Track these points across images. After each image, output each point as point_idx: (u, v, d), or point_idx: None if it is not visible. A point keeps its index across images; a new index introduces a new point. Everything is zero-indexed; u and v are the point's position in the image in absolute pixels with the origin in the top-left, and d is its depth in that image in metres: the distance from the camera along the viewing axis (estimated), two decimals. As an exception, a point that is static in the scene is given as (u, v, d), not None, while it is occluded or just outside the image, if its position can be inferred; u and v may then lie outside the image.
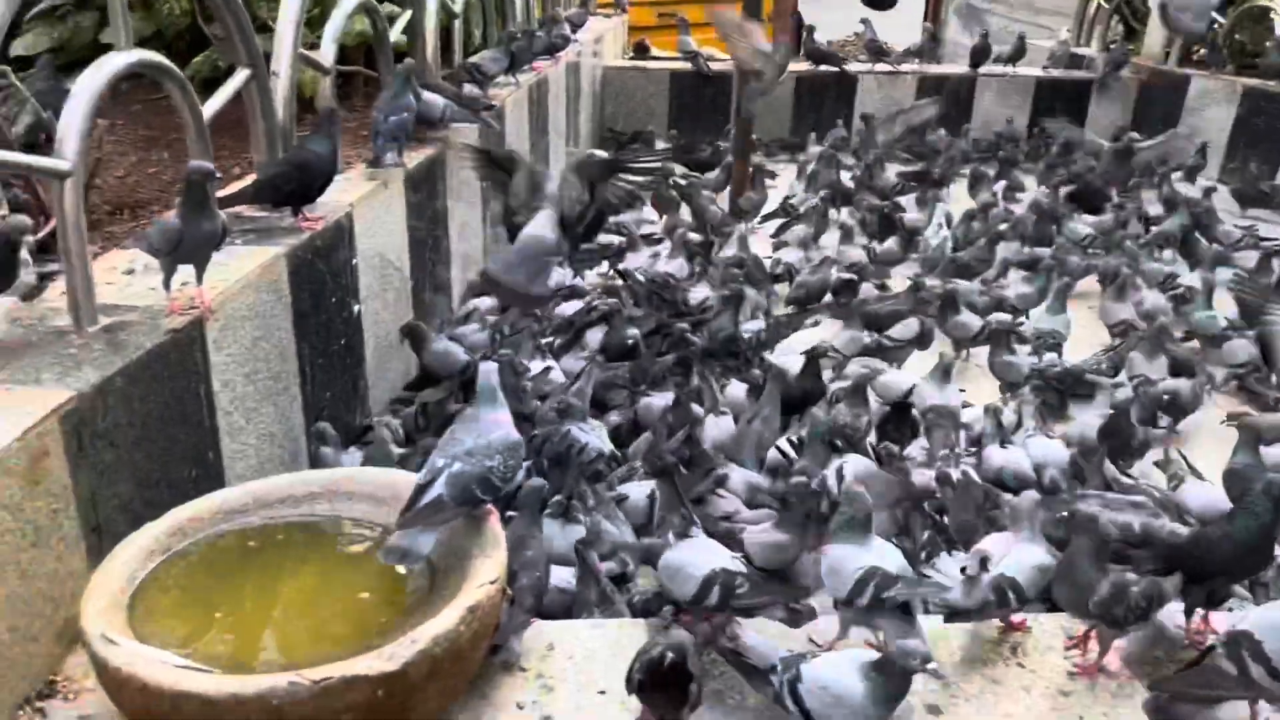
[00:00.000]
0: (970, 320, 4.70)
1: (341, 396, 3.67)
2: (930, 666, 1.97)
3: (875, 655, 2.04)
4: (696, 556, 2.32)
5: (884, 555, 2.27)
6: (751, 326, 4.63)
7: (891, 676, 1.97)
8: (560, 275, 4.90)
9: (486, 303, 4.91)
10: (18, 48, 4.79)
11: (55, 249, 3.08)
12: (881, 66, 9.10)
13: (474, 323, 4.66)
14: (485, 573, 2.00)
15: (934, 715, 2.17)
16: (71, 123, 2.47)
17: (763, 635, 2.31)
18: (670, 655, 1.98)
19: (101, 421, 2.29)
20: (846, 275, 5.19)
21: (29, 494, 2.05)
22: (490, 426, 2.23)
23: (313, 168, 3.28)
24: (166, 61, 2.75)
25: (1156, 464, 3.64)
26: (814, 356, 4.02)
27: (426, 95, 4.33)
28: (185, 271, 2.73)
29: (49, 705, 2.06)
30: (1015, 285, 5.25)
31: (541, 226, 3.13)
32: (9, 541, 1.99)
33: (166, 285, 2.66)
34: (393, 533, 2.08)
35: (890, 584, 2.20)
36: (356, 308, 3.71)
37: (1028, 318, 4.89)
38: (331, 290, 3.51)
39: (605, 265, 5.64)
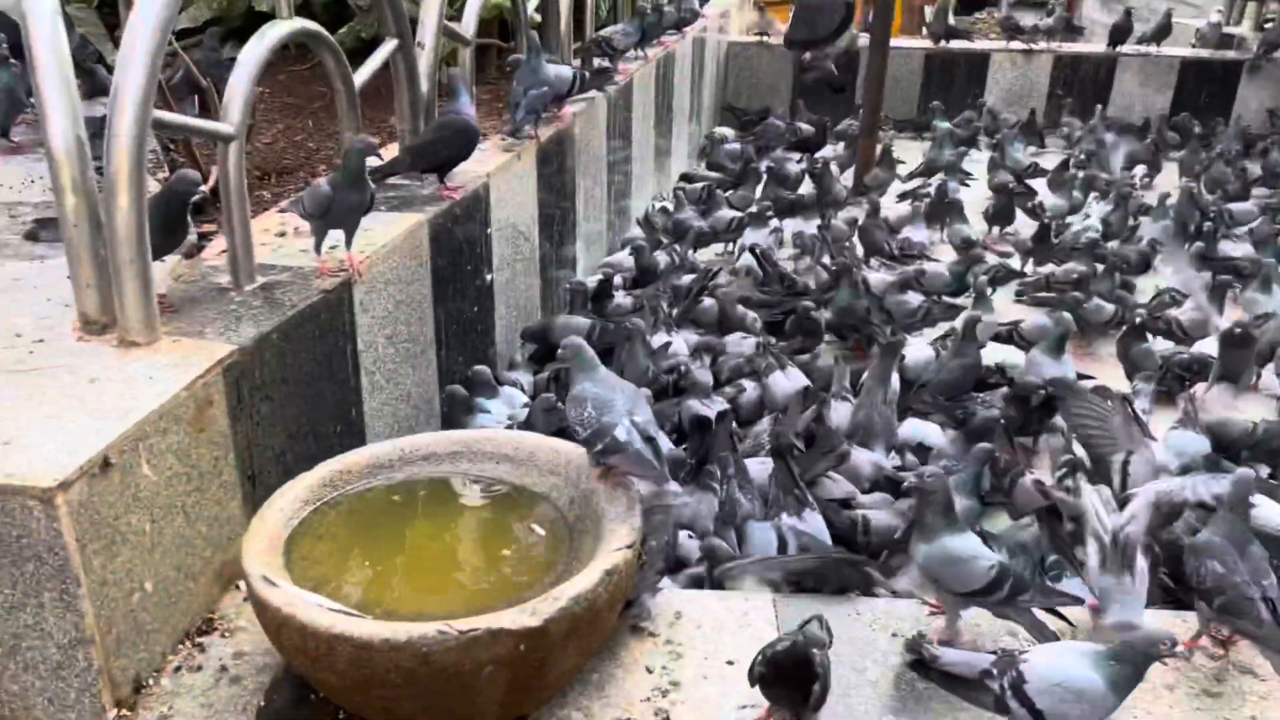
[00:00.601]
0: (1103, 306, 4.59)
1: (471, 363, 3.75)
2: (1178, 650, 1.94)
3: (1099, 646, 1.97)
4: (978, 547, 2.25)
5: (978, 543, 2.27)
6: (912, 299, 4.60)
7: (1134, 664, 1.91)
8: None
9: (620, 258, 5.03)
10: (182, 20, 5.03)
11: (209, 211, 3.25)
12: (1016, 45, 8.81)
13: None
14: (622, 536, 2.03)
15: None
16: (237, 88, 2.58)
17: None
18: (797, 649, 1.93)
19: (259, 375, 2.40)
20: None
21: (195, 441, 2.16)
22: (619, 387, 2.30)
23: (467, 131, 3.36)
24: (324, 31, 2.84)
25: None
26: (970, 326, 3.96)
27: (558, 69, 4.39)
28: (334, 236, 2.84)
29: (208, 641, 2.18)
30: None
31: None
32: (176, 485, 2.11)
33: (317, 248, 2.77)
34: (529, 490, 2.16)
35: (1024, 586, 2.20)
36: (489, 276, 3.79)
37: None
38: (467, 258, 3.59)
39: (726, 245, 5.64)
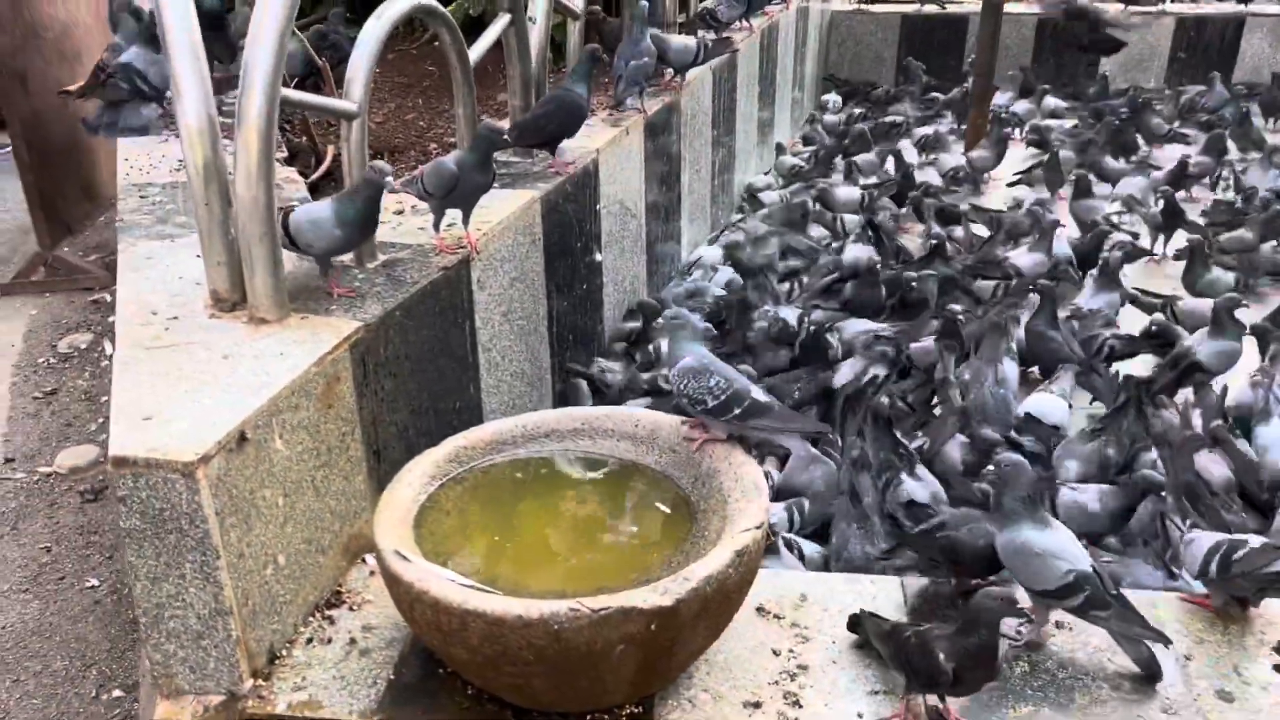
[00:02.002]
0: (1222, 276, 4.44)
1: (582, 340, 3.75)
2: None
3: None
4: (1063, 546, 2.10)
5: (1066, 541, 2.11)
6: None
7: None
8: None
9: (712, 254, 4.93)
10: None
11: (325, 190, 3.30)
12: (1135, 8, 8.40)
13: (698, 270, 4.69)
14: (750, 517, 1.98)
15: (1224, 701, 2.01)
16: (358, 67, 2.59)
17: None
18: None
19: (383, 352, 2.42)
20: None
21: (324, 417, 2.19)
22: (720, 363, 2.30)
23: (574, 108, 3.35)
24: (441, 8, 2.84)
25: None
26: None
27: (682, 41, 4.35)
28: (451, 214, 2.84)
29: (336, 614, 2.22)
30: None
31: None
32: (306, 460, 2.14)
33: (436, 226, 2.78)
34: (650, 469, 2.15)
35: (1102, 600, 2.03)
36: (599, 255, 3.77)
37: None
38: (577, 236, 3.58)
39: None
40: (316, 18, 4.87)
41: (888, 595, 2.31)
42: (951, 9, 8.52)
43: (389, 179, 2.40)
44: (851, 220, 5.40)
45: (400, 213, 3.08)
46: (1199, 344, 3.70)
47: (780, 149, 6.74)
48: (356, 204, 2.42)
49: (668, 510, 2.20)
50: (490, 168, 2.77)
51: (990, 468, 2.24)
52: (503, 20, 3.31)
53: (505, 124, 3.03)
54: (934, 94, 7.77)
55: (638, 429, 2.36)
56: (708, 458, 2.23)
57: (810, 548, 2.91)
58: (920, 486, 3.01)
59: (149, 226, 2.89)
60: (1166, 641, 2.03)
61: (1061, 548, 2.07)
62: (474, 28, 3.61)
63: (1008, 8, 7.71)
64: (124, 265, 2.61)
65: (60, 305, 5.81)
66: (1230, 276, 4.43)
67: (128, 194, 3.13)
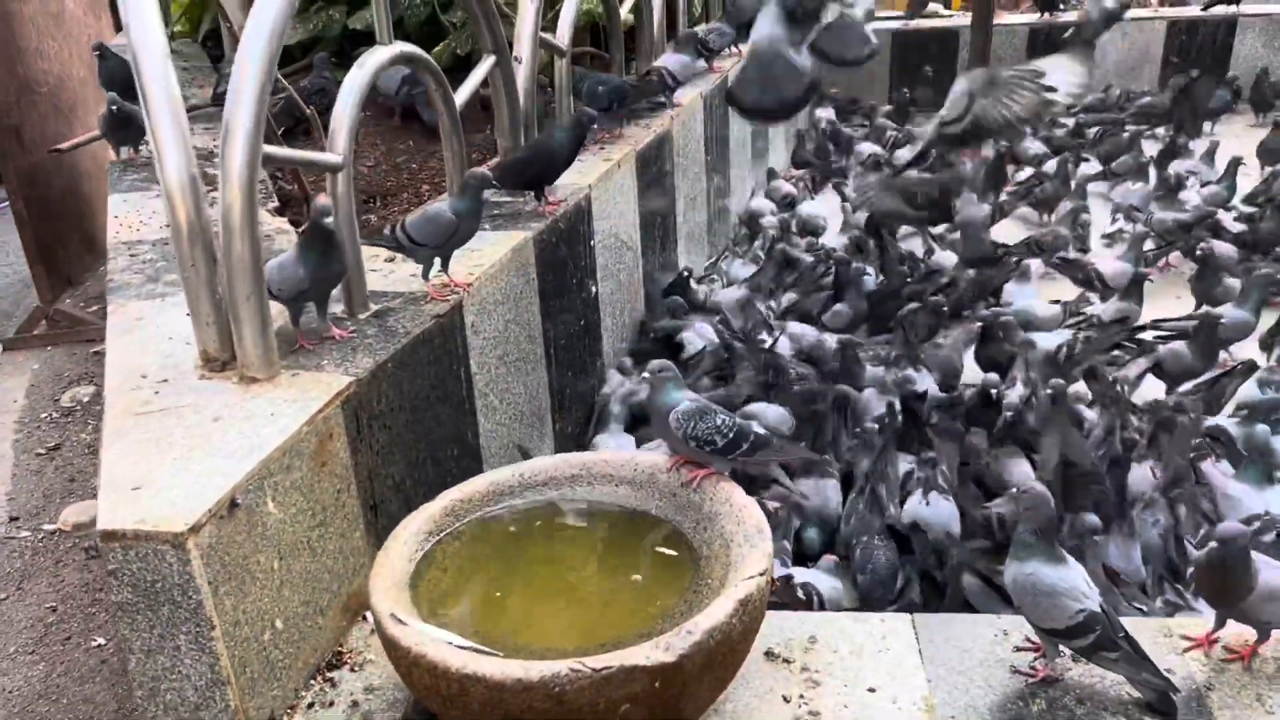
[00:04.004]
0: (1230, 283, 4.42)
1: (581, 374, 3.72)
2: None
3: None
4: (1074, 584, 2.03)
5: (1078, 579, 2.03)
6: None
7: None
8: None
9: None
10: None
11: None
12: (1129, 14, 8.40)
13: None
14: (753, 564, 1.94)
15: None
16: (341, 118, 2.58)
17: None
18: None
19: (377, 405, 2.39)
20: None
21: (318, 475, 2.16)
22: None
23: (552, 155, 3.33)
24: (424, 53, 2.83)
25: None
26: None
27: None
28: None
29: (338, 675, 2.18)
30: None
31: (768, 25, 2.95)
32: (301, 521, 2.10)
33: (426, 275, 2.76)
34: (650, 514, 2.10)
35: (1111, 641, 1.97)
36: (594, 288, 3.75)
37: None
38: (573, 271, 3.55)
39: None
40: (303, 64, 4.88)
41: (898, 634, 2.26)
42: (941, 22, 8.52)
43: (327, 219, 2.40)
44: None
45: (393, 259, 3.05)
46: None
47: (772, 174, 6.72)
48: (315, 249, 2.41)
49: (671, 554, 2.16)
50: (481, 212, 2.76)
51: (1010, 494, 2.17)
52: (488, 61, 3.30)
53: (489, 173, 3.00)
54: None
55: (637, 473, 2.32)
56: (709, 500, 2.19)
57: (827, 586, 2.86)
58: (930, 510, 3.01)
59: (139, 286, 2.88)
60: (1173, 690, 1.97)
61: (1072, 586, 2.01)
62: (463, 67, 3.60)
63: (999, 18, 7.73)
64: (113, 328, 2.59)
65: (62, 358, 5.81)
66: (1238, 284, 4.38)
67: (117, 253, 3.12)
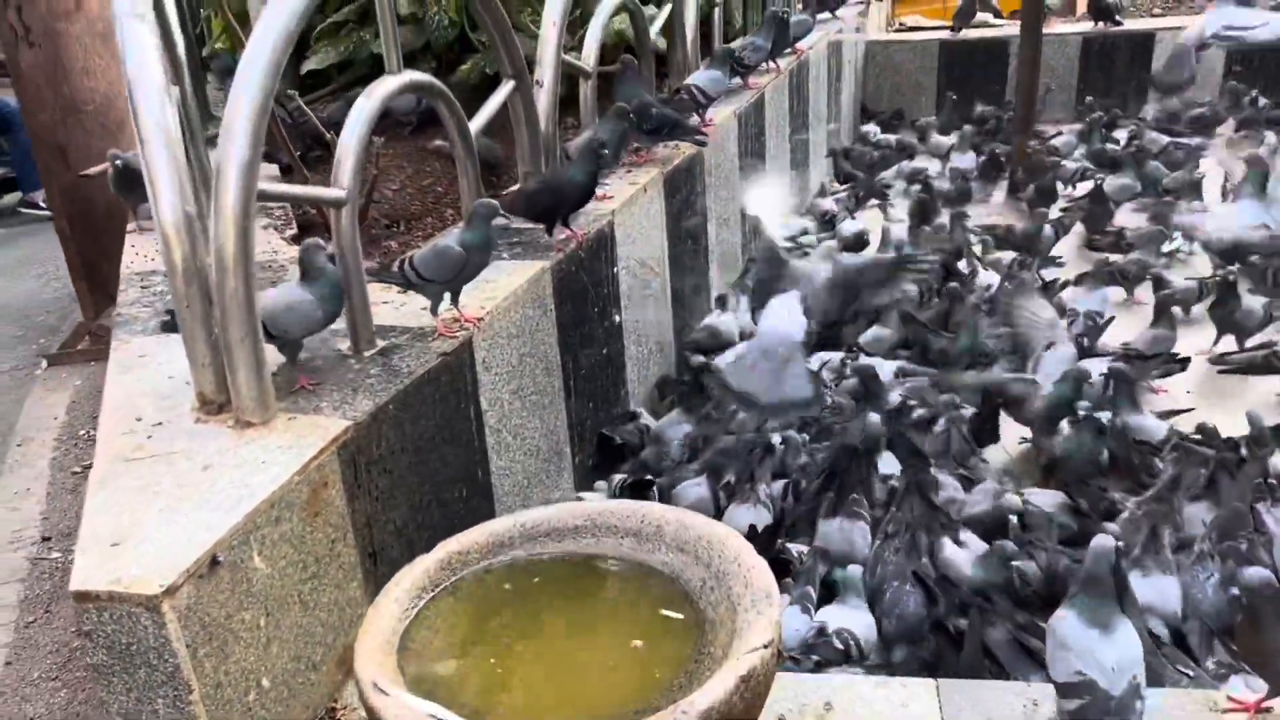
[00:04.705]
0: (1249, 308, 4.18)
1: (604, 406, 3.62)
2: None
3: None
4: (1091, 647, 1.87)
5: (1102, 644, 1.87)
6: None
7: None
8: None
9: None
10: (309, 64, 5.11)
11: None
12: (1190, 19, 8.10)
13: (728, 312, 4.52)
14: (758, 633, 1.82)
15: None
16: (346, 149, 2.51)
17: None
18: None
19: (376, 449, 2.30)
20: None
21: (309, 526, 2.08)
22: None
23: (560, 190, 3.19)
24: (435, 81, 2.75)
25: None
26: None
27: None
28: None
29: (331, 733, 2.09)
30: None
31: (783, 316, 2.61)
32: (291, 574, 2.02)
33: (435, 311, 2.68)
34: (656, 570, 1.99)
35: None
36: (618, 317, 3.64)
37: None
38: (594, 300, 3.45)
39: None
40: (334, 88, 4.85)
41: (920, 699, 2.12)
42: (990, 32, 8.30)
43: (323, 252, 2.35)
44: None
45: (405, 292, 2.97)
46: None
47: (815, 192, 6.58)
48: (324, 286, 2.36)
49: (675, 617, 2.04)
50: (491, 244, 2.66)
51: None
52: (507, 86, 3.21)
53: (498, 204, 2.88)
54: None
55: (643, 525, 2.20)
56: (717, 557, 2.07)
57: (862, 626, 2.73)
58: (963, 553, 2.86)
59: (145, 320, 2.83)
60: None
61: (1089, 647, 1.86)
62: (492, 85, 3.51)
63: (1050, 27, 7.50)
64: (114, 366, 2.54)
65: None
66: (1260, 305, 4.15)
67: (129, 284, 3.09)
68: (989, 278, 4.81)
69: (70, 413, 5.63)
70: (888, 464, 3.34)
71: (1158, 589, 2.69)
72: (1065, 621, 1.91)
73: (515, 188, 3.51)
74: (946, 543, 2.91)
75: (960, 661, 2.58)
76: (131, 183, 3.62)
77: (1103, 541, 1.99)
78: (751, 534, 3.04)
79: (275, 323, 2.34)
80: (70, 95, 6.15)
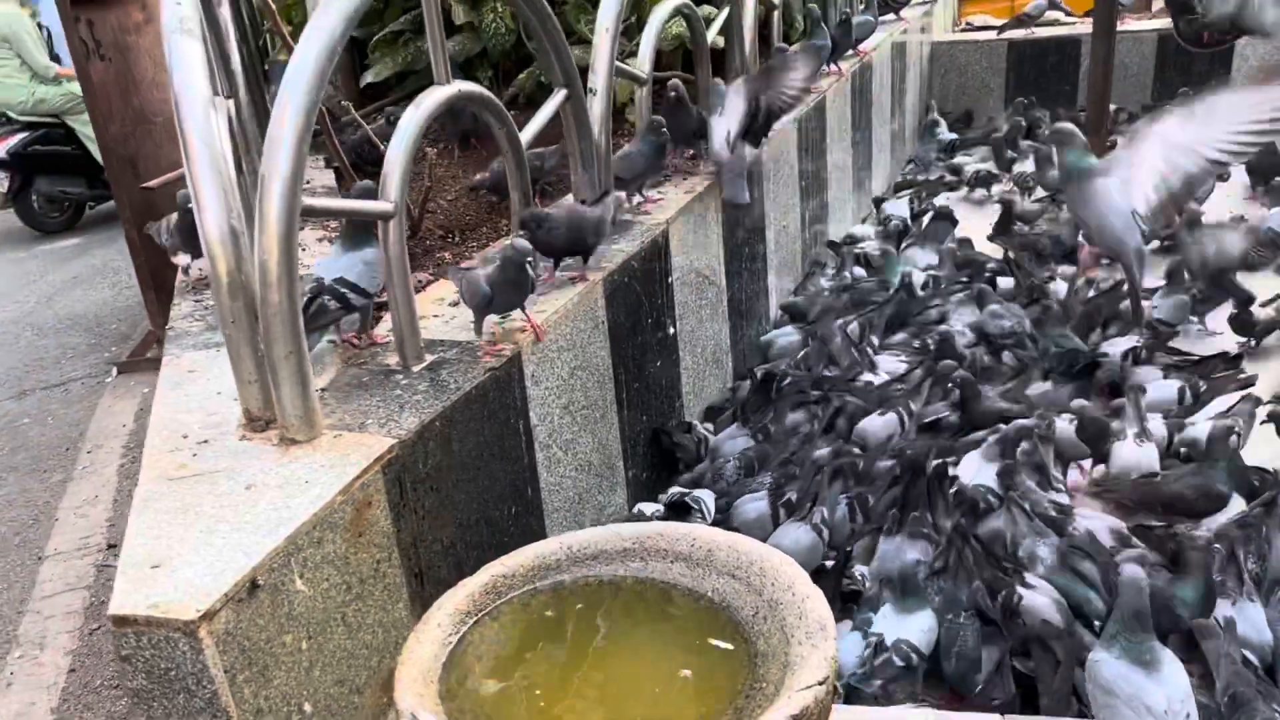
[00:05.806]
0: None
1: (658, 419, 3.55)
2: None
3: None
4: (1136, 693, 1.77)
5: (1147, 688, 1.75)
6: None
7: None
8: None
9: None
10: (368, 76, 5.13)
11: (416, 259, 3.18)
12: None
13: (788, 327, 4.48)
14: (812, 670, 1.73)
15: None
16: (395, 162, 2.47)
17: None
18: None
19: (423, 466, 2.26)
20: None
21: (353, 546, 2.04)
22: None
23: (577, 228, 3.02)
24: (485, 92, 2.71)
25: None
26: None
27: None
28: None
29: (373, 758, 2.05)
30: None
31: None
32: (334, 596, 1.99)
33: (478, 331, 2.62)
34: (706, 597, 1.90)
35: None
36: (672, 328, 3.57)
37: None
38: (648, 312, 3.38)
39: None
40: (394, 99, 4.84)
41: (987, 739, 2.01)
42: (1061, 30, 8.05)
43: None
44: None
45: (456, 304, 2.94)
46: None
47: (878, 201, 6.42)
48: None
49: (726, 647, 1.96)
50: (526, 277, 2.58)
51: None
52: (559, 95, 3.16)
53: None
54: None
55: (693, 549, 2.12)
56: (770, 585, 1.98)
57: (920, 636, 2.61)
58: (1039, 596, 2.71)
59: (198, 335, 2.83)
60: None
61: (1135, 692, 1.74)
62: (548, 92, 3.46)
63: (1124, 24, 7.25)
64: (164, 381, 2.54)
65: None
66: None
67: (183, 297, 3.10)
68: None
69: (138, 420, 5.73)
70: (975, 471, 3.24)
71: (1248, 619, 2.52)
72: (1106, 665, 1.79)
73: (567, 200, 3.45)
74: (1022, 591, 2.73)
75: (1042, 698, 2.43)
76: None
77: (1133, 572, 1.87)
78: (819, 573, 2.93)
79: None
80: (140, 107, 6.27)
